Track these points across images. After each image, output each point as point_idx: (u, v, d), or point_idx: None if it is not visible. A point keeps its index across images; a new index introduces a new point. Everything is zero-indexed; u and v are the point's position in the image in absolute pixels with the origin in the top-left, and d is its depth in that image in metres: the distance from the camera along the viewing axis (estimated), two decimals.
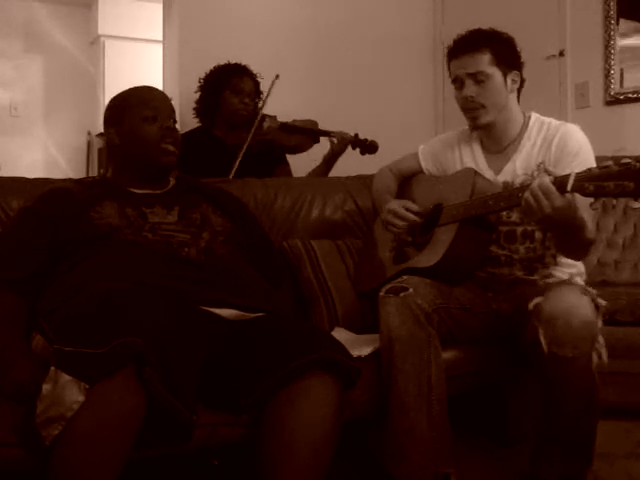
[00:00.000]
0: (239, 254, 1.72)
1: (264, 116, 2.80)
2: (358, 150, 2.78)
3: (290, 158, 2.95)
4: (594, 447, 1.67)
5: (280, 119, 2.84)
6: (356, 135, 2.77)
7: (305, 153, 2.89)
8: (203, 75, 2.89)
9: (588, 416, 1.63)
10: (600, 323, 1.58)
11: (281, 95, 2.98)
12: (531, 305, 1.63)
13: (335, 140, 2.76)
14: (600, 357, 1.58)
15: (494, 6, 3.61)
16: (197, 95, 2.89)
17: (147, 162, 1.73)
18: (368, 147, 2.75)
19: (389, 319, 1.66)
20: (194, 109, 2.89)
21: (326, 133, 2.81)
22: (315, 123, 2.88)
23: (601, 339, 1.58)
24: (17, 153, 5.41)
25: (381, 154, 2.67)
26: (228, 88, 2.77)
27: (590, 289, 1.68)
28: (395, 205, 1.95)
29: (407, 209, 1.93)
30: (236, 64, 2.84)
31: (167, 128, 1.73)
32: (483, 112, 1.83)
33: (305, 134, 2.84)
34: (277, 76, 2.75)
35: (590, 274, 2.03)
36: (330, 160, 2.81)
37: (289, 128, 2.82)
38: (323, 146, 2.86)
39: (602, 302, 1.66)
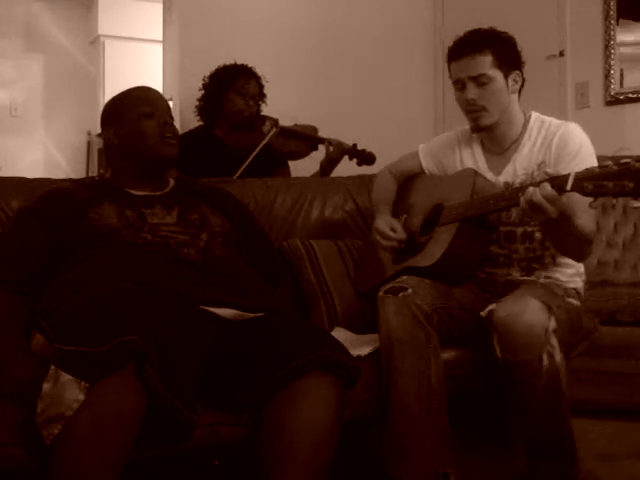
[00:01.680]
0: (238, 255, 1.72)
1: (266, 119, 2.79)
2: (355, 161, 2.75)
3: (290, 162, 2.94)
4: (574, 447, 1.67)
5: (280, 119, 2.83)
6: (354, 145, 2.75)
7: (308, 157, 2.89)
8: (203, 75, 2.88)
9: (555, 417, 1.63)
10: (553, 325, 1.58)
11: (280, 95, 2.98)
12: (484, 312, 1.65)
13: (331, 148, 2.73)
14: (552, 358, 1.58)
15: (494, 6, 3.61)
16: (198, 94, 2.88)
17: (147, 157, 1.73)
18: (365, 158, 2.73)
19: (388, 319, 1.66)
20: (196, 107, 2.88)
21: (324, 140, 2.79)
22: (315, 129, 2.86)
23: (554, 341, 1.58)
24: (17, 153, 5.41)
25: (381, 154, 2.67)
26: (233, 89, 2.75)
27: (559, 289, 1.70)
28: (382, 225, 1.95)
29: (392, 229, 1.93)
30: (243, 65, 2.83)
31: (165, 123, 1.73)
32: (485, 114, 1.83)
33: (304, 141, 2.82)
34: (277, 123, 2.75)
35: (590, 274, 2.03)
36: (326, 167, 2.78)
37: (288, 133, 2.80)
38: (323, 153, 2.84)
39: (574, 302, 1.67)
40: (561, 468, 1.66)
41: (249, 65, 2.84)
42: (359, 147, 2.77)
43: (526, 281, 1.82)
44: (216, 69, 2.86)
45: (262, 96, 2.85)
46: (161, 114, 1.74)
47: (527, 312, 1.57)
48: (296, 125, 2.86)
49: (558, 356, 1.59)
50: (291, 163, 2.93)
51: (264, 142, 2.69)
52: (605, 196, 1.40)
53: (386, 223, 1.96)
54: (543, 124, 1.86)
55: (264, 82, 2.85)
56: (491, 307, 1.64)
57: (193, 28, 3.38)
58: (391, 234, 1.93)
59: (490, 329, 1.63)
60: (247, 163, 2.64)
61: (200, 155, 2.65)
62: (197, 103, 2.88)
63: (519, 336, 1.56)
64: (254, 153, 2.66)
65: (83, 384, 1.19)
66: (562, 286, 1.80)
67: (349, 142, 2.78)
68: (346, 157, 2.77)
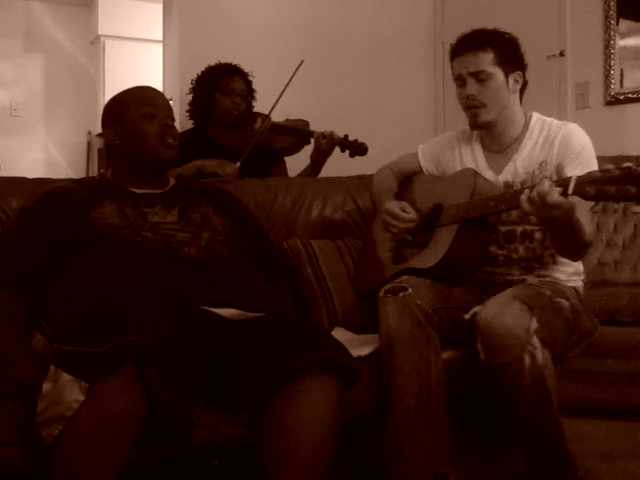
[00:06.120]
0: (239, 254, 1.72)
1: (257, 116, 2.77)
2: (347, 153, 2.67)
3: (286, 157, 2.91)
4: (565, 446, 1.67)
5: (278, 119, 2.82)
6: (345, 136, 2.68)
7: (302, 151, 2.86)
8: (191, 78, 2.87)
9: (543, 417, 1.63)
10: (535, 325, 1.59)
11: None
12: (468, 315, 1.67)
13: (324, 140, 2.65)
14: (534, 358, 1.58)
15: (494, 6, 3.61)
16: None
17: (147, 158, 1.73)
18: (358, 149, 2.65)
19: (388, 319, 1.67)
20: (187, 111, 2.86)
21: (314, 133, 2.71)
22: (306, 123, 2.81)
23: (536, 341, 1.59)
24: (17, 153, 5.41)
25: (381, 154, 2.65)
26: (219, 89, 2.72)
27: (548, 289, 1.70)
28: (392, 206, 1.94)
29: (404, 210, 1.93)
30: (227, 64, 2.79)
31: (166, 125, 1.73)
32: (484, 111, 1.83)
33: (295, 135, 2.77)
34: (302, 62, 2.64)
35: (590, 274, 2.03)
36: (317, 160, 2.72)
37: (279, 129, 2.75)
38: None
39: (564, 303, 1.68)
40: (558, 468, 1.67)
41: (236, 63, 2.79)
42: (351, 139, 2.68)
43: (519, 281, 1.82)
44: (201, 71, 2.82)
45: (251, 92, 2.81)
46: (162, 116, 1.73)
47: (506, 314, 1.58)
48: (287, 120, 2.81)
49: (540, 356, 1.59)
50: (286, 159, 2.88)
51: (255, 139, 2.67)
52: (607, 201, 1.40)
53: (396, 204, 1.94)
54: (544, 124, 1.86)
55: (251, 78, 2.80)
56: (475, 309, 1.66)
57: (193, 28, 3.38)
58: (403, 215, 1.91)
59: (474, 331, 1.64)
60: (241, 162, 2.61)
61: (195, 156, 2.63)
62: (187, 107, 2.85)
63: (500, 338, 1.57)
64: (247, 151, 2.63)
65: (83, 384, 1.19)
66: (559, 285, 1.80)
67: None
68: (338, 149, 2.69)
